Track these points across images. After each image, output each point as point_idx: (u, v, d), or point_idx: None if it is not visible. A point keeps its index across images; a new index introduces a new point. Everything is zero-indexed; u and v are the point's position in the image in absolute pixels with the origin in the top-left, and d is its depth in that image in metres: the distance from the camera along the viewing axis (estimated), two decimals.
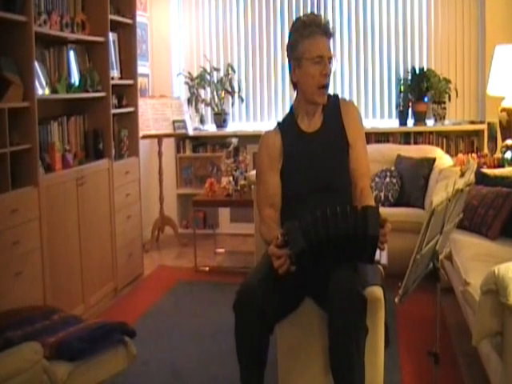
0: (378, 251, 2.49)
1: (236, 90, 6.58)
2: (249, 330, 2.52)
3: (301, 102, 2.87)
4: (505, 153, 4.87)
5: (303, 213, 2.49)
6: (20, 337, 2.51)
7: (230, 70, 6.56)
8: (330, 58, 2.77)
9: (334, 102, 2.89)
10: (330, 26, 2.80)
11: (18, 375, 2.17)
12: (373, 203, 2.78)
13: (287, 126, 2.90)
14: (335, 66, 3.16)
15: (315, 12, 6.24)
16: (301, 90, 2.84)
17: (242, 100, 6.62)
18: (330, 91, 2.87)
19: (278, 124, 2.94)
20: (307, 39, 2.73)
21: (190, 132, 6.25)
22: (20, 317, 2.76)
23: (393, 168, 5.38)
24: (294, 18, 2.88)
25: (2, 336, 2.52)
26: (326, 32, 2.76)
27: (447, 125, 6.16)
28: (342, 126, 2.85)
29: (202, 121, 6.67)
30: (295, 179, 2.80)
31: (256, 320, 2.50)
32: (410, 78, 6.17)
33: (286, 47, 2.85)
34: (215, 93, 6.57)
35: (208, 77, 6.54)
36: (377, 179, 5.29)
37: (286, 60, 2.86)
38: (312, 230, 2.42)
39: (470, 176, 2.52)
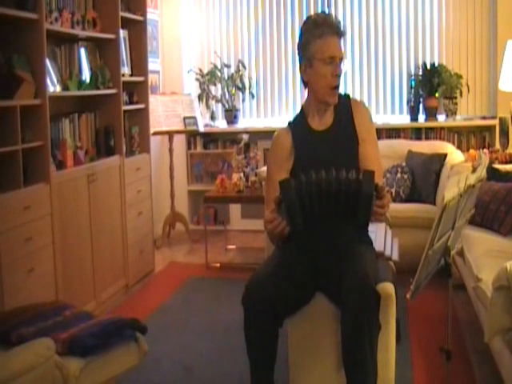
0: (390, 248, 2.49)
1: (247, 86, 6.57)
2: (257, 323, 2.53)
3: (311, 101, 2.86)
4: None
5: None
6: (32, 333, 2.53)
7: (240, 66, 6.55)
8: (342, 59, 2.76)
9: (345, 101, 2.88)
10: (342, 25, 2.79)
11: (31, 371, 2.18)
12: None
13: (298, 124, 2.90)
14: (347, 66, 3.14)
15: (326, 6, 6.23)
16: (312, 90, 2.82)
17: (253, 96, 6.62)
18: (342, 88, 2.86)
19: (289, 123, 2.94)
20: (319, 39, 2.72)
21: (201, 128, 6.25)
22: (32, 313, 2.77)
23: (404, 164, 5.36)
24: (305, 15, 2.88)
25: (14, 332, 2.54)
26: (337, 32, 2.74)
27: (458, 120, 6.13)
28: (353, 125, 2.84)
29: (212, 117, 6.67)
30: None
31: (265, 313, 2.50)
32: (421, 73, 6.15)
33: (296, 46, 2.84)
34: (226, 89, 6.57)
35: (219, 73, 6.54)
36: (388, 175, 5.27)
37: (297, 56, 2.85)
38: (304, 186, 2.49)
39: (482, 171, 2.52)
